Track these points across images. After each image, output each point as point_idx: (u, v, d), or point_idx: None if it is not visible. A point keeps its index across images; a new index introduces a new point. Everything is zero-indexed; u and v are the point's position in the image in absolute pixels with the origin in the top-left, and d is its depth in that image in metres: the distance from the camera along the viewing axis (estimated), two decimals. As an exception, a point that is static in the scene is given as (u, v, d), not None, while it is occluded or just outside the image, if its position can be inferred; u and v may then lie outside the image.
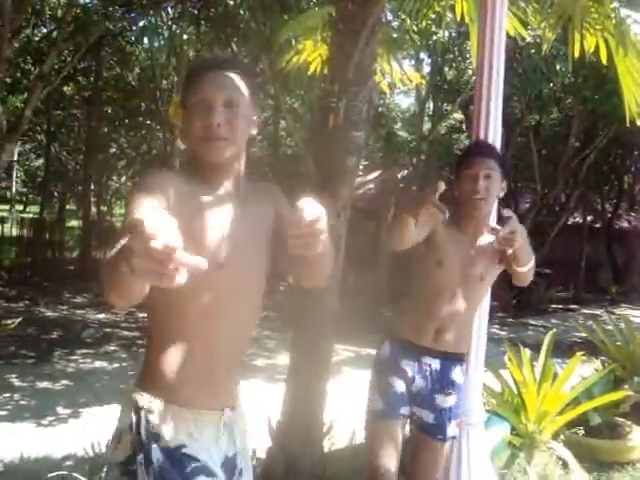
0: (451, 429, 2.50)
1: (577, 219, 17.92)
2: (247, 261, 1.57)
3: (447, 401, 2.48)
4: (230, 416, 1.58)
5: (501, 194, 2.47)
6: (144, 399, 1.51)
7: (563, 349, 7.32)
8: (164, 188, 1.45)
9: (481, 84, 3.02)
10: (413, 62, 14.47)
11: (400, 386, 2.43)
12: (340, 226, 3.21)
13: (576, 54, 3.91)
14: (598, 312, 12.85)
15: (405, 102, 20.43)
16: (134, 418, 1.49)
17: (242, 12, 8.53)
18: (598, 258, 16.63)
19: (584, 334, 6.51)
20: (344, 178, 3.23)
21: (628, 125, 4.07)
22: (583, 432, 4.18)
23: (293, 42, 5.08)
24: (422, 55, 13.96)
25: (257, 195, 1.68)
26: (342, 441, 4.07)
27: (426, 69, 15.40)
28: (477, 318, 2.89)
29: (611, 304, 14.35)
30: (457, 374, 2.51)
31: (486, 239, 2.50)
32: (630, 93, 3.81)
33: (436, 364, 2.46)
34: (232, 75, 1.56)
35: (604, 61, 3.91)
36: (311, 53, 4.70)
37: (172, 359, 1.52)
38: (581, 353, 4.12)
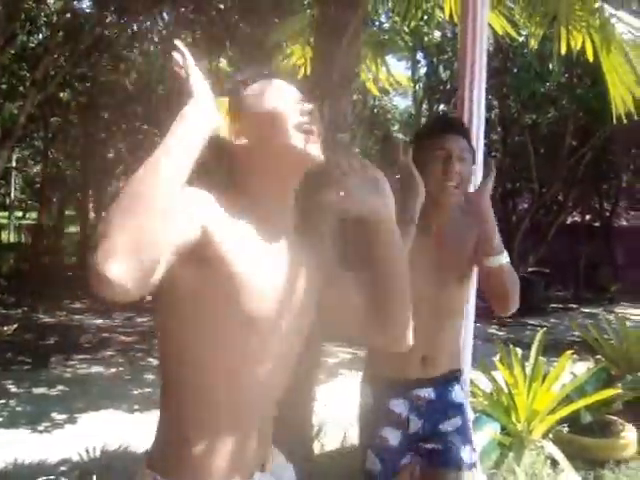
0: (466, 454, 2.08)
1: (576, 218, 17.91)
2: (292, 319, 1.31)
3: (452, 424, 2.10)
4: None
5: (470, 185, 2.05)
6: None
7: (561, 349, 7.30)
8: (206, 214, 1.16)
9: (464, 77, 3.01)
10: (409, 64, 14.49)
11: (395, 437, 2.03)
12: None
13: (563, 51, 3.93)
14: (597, 311, 12.80)
15: (403, 104, 20.35)
16: None
17: (235, 15, 8.60)
18: (597, 257, 16.58)
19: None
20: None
21: (616, 122, 4.07)
22: (574, 430, 4.17)
23: (284, 45, 5.10)
24: (418, 57, 13.97)
25: (311, 239, 1.39)
26: (334, 443, 4.07)
27: (423, 70, 15.40)
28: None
29: (611, 303, 14.27)
30: (457, 394, 2.14)
31: (457, 232, 2.06)
32: (616, 90, 3.82)
33: (430, 394, 2.06)
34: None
35: (590, 58, 3.92)
36: (300, 57, 4.72)
37: (202, 435, 1.24)
38: (570, 352, 4.11)
